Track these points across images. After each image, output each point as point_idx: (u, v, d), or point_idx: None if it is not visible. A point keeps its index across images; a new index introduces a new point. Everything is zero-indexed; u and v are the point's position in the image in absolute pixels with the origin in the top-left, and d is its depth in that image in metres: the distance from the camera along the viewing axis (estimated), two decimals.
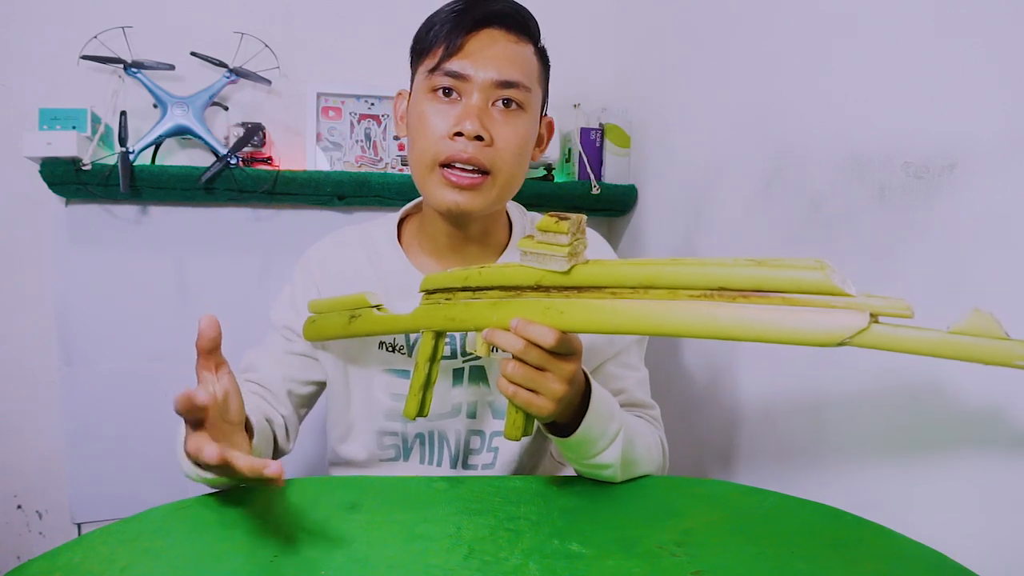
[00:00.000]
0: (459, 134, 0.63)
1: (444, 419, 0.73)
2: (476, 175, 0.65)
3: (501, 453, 0.74)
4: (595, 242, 0.80)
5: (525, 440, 0.71)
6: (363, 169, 1.22)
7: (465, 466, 0.74)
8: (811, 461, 0.74)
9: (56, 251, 1.15)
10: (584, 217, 0.51)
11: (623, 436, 0.61)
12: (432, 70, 0.65)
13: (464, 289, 0.57)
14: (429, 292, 0.60)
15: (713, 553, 0.50)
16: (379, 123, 1.24)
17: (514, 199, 0.75)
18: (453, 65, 0.64)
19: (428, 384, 0.61)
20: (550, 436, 0.60)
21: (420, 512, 0.56)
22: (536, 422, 0.58)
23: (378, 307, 0.63)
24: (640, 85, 1.25)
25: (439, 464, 0.74)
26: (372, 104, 1.23)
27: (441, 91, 0.65)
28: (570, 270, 0.50)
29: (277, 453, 0.72)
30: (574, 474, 0.65)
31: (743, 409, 0.89)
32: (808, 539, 0.53)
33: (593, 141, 1.25)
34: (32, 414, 1.19)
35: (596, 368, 0.74)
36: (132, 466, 1.18)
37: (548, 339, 0.50)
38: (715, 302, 0.44)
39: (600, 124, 1.26)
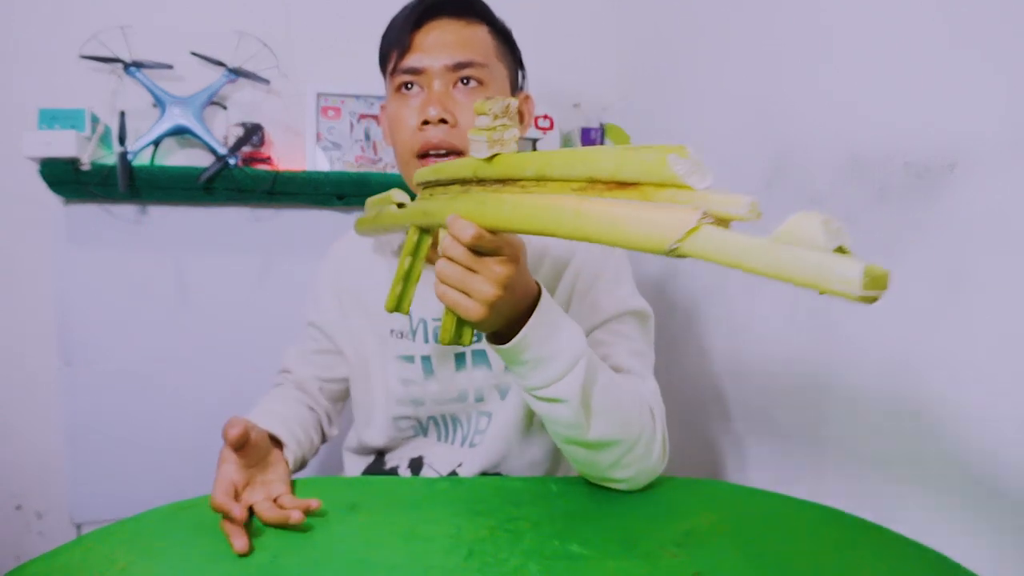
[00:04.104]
0: (426, 123, 0.66)
1: (453, 403, 0.74)
2: (450, 157, 0.66)
3: (492, 423, 0.74)
4: None
5: (515, 417, 0.71)
6: (362, 169, 1.22)
7: (471, 445, 0.75)
8: (811, 461, 0.74)
9: (55, 251, 1.15)
10: (512, 101, 0.47)
11: (584, 371, 0.53)
12: (392, 72, 0.70)
13: (437, 184, 0.55)
14: (423, 185, 0.58)
15: (713, 553, 0.50)
16: (379, 123, 1.23)
17: None
18: (407, 62, 0.68)
19: (408, 278, 0.59)
20: (490, 345, 0.54)
21: (420, 512, 0.56)
22: (472, 329, 0.54)
23: (400, 204, 0.62)
24: (640, 85, 1.25)
25: (452, 442, 0.76)
26: (372, 103, 1.23)
27: (404, 87, 0.69)
28: (492, 159, 0.47)
29: (323, 439, 0.80)
30: (575, 474, 0.65)
31: (743, 409, 0.89)
32: (808, 540, 0.53)
33: (593, 141, 1.25)
34: (32, 414, 1.18)
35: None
36: (132, 466, 1.18)
37: (465, 235, 0.47)
38: (581, 196, 0.39)
39: (600, 124, 1.26)
